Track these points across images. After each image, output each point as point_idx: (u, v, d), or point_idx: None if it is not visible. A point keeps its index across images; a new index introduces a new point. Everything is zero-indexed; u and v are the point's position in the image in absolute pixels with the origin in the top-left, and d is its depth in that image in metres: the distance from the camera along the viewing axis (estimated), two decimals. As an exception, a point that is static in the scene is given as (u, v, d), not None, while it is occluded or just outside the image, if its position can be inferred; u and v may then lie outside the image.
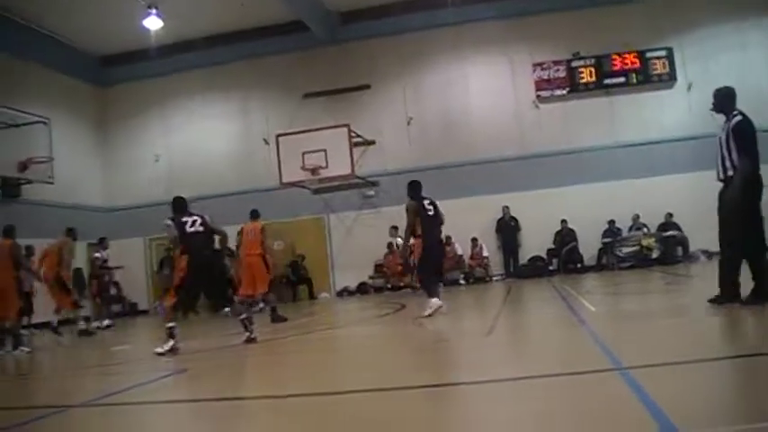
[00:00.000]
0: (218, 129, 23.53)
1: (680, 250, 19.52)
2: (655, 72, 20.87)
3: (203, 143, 23.41)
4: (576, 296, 12.07)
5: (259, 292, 12.63)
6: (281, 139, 19.92)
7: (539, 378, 4.95)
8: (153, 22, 19.98)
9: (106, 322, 15.33)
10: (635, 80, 20.97)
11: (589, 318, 8.58)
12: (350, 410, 4.61)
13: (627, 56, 21.02)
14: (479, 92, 21.84)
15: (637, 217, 20.21)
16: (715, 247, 7.94)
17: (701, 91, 17.90)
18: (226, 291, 10.41)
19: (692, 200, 17.12)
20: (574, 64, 21.36)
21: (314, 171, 19.40)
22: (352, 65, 22.51)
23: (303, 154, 19.27)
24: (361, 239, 21.39)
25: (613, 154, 20.62)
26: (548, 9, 21.26)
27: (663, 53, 20.85)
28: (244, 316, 9.42)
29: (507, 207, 20.94)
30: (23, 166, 18.90)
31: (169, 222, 9.03)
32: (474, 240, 20.83)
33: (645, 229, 20.02)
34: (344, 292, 21.70)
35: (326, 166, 19.32)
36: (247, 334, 9.13)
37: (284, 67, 22.90)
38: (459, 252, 20.52)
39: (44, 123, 19.65)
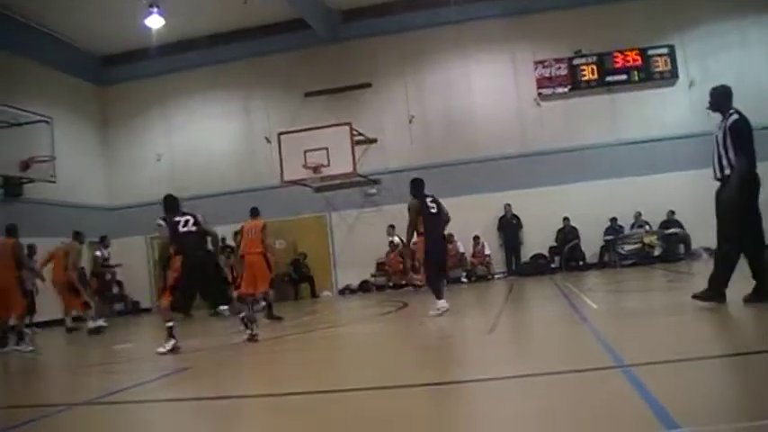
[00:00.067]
0: (220, 127, 23.54)
1: (682, 248, 19.52)
2: (656, 69, 20.85)
3: (205, 142, 23.42)
4: (578, 294, 12.07)
5: (260, 290, 12.60)
6: (282, 137, 19.92)
7: (541, 376, 4.94)
8: (154, 21, 19.96)
9: (99, 322, 15.16)
10: (637, 78, 20.94)
11: (591, 315, 8.58)
12: (352, 409, 4.61)
13: (628, 53, 20.99)
14: (481, 90, 21.83)
15: (639, 214, 20.20)
16: (716, 245, 7.93)
17: (703, 88, 17.63)
18: (224, 290, 10.39)
19: (693, 197, 17.04)
20: (575, 62, 21.33)
21: (316, 169, 19.42)
22: (353, 63, 22.51)
23: (305, 152, 19.28)
24: (362, 238, 21.40)
25: (615, 151, 20.60)
26: (549, 7, 21.25)
27: (665, 51, 20.82)
28: (243, 314, 9.40)
29: (509, 205, 20.94)
30: (25, 166, 18.93)
31: (161, 222, 8.93)
32: (476, 238, 20.83)
33: (647, 227, 20.00)
34: (346, 291, 21.70)
35: (328, 165, 19.34)
36: (248, 332, 9.12)
37: (286, 66, 22.90)
38: (461, 250, 20.51)
39: (46, 122, 19.66)
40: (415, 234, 10.56)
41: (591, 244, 20.48)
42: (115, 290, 21.38)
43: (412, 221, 10.42)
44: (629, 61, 20.99)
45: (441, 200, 10.78)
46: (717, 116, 7.71)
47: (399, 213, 20.31)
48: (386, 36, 22.32)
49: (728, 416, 3.43)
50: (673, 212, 19.80)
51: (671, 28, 20.86)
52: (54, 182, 19.78)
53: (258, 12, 21.41)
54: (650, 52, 20.90)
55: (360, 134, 20.65)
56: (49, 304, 15.99)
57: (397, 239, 20.03)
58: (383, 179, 21.74)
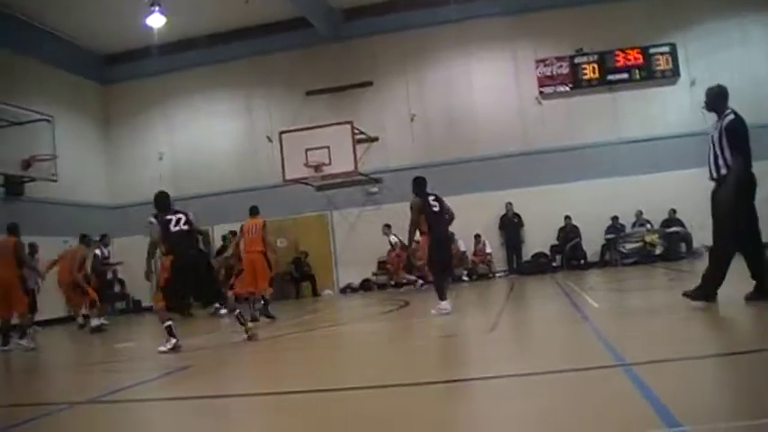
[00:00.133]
0: (222, 126, 23.56)
1: (683, 246, 19.49)
2: (658, 68, 20.84)
3: (207, 141, 23.44)
4: (580, 292, 12.07)
5: (260, 288, 12.58)
6: (284, 136, 19.94)
7: (542, 374, 4.94)
8: (156, 20, 19.95)
9: (101, 320, 15.16)
10: (638, 76, 20.93)
11: (592, 314, 8.58)
12: (352, 407, 4.61)
13: (630, 52, 20.98)
14: (482, 88, 21.82)
15: (640, 213, 20.19)
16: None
17: (704, 87, 17.67)
18: (217, 290, 10.30)
19: (695, 196, 16.94)
20: (577, 60, 21.33)
21: (317, 168, 19.43)
22: (355, 62, 22.51)
23: (306, 151, 19.30)
24: (364, 236, 21.38)
25: (616, 150, 20.59)
26: (551, 5, 21.24)
27: (666, 49, 20.81)
28: (238, 311, 9.38)
29: (510, 203, 20.93)
30: (27, 164, 18.95)
31: (153, 220, 8.85)
32: (477, 237, 20.82)
33: (648, 226, 19.98)
34: (348, 289, 21.70)
35: (330, 163, 19.35)
36: (244, 329, 9.11)
37: (287, 65, 22.89)
38: (463, 249, 20.49)
39: (47, 121, 19.67)
40: (418, 233, 10.54)
41: (592, 243, 20.47)
42: (117, 288, 21.40)
43: (414, 220, 10.36)
44: (630, 60, 20.98)
45: (443, 198, 10.76)
46: (712, 116, 7.72)
47: (401, 212, 20.28)
48: (387, 34, 22.31)
49: (730, 414, 3.43)
50: (674, 211, 19.79)
51: (672, 26, 20.84)
52: (55, 180, 19.80)
53: (259, 10, 21.40)
54: (652, 51, 20.89)
55: (361, 133, 20.65)
56: (50, 303, 16.02)
57: (394, 238, 20.05)
58: (384, 178, 21.74)
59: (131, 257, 22.30)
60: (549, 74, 21.47)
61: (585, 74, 21.24)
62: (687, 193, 18.37)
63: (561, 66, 21.40)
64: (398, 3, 22.26)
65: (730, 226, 7.25)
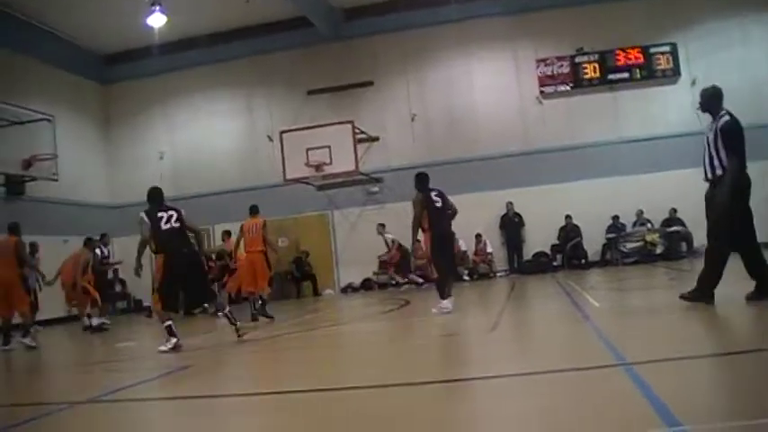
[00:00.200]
0: (223, 126, 23.56)
1: (684, 246, 19.48)
2: (659, 67, 20.83)
3: (207, 140, 23.45)
4: (581, 292, 12.06)
5: (259, 288, 12.56)
6: (285, 135, 19.94)
7: (543, 374, 4.94)
8: (156, 19, 19.94)
9: (101, 320, 15.19)
10: (639, 76, 20.93)
11: (593, 313, 8.58)
12: (353, 407, 4.61)
13: (630, 51, 20.97)
14: (483, 88, 21.82)
15: (641, 212, 20.19)
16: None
17: (705, 86, 17.85)
18: (208, 290, 10.24)
19: (695, 195, 16.82)
20: (577, 60, 21.33)
21: (318, 167, 19.43)
22: (355, 61, 22.51)
23: (307, 150, 19.30)
24: (365, 236, 21.36)
25: (617, 149, 20.58)
26: (551, 5, 21.24)
27: (667, 48, 20.81)
28: (228, 310, 9.34)
29: (511, 203, 20.93)
30: (27, 164, 18.96)
31: (144, 218, 8.79)
32: (478, 236, 20.81)
33: (649, 225, 19.98)
34: (349, 289, 21.69)
35: (330, 163, 19.35)
36: (234, 328, 9.07)
37: (288, 64, 22.89)
38: (463, 248, 20.46)
39: (48, 121, 19.68)
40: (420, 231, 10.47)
41: (593, 242, 20.47)
42: (118, 288, 21.42)
43: (417, 216, 10.25)
44: (630, 59, 20.97)
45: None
46: (706, 117, 7.73)
47: (402, 211, 20.31)
48: (388, 34, 22.31)
49: (730, 414, 3.43)
50: (675, 210, 19.77)
51: (673, 26, 20.84)
52: (56, 180, 19.81)
53: (260, 10, 21.40)
54: (652, 50, 20.89)
55: (362, 132, 20.65)
56: (51, 302, 16.02)
57: (389, 236, 20.07)
58: (385, 177, 21.75)
59: (132, 257, 22.44)
60: (549, 73, 21.47)
61: (586, 73, 21.23)
62: (688, 193, 18.22)
63: (562, 65, 21.40)
64: (399, 2, 22.25)
65: (726, 227, 7.25)
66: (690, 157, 18.51)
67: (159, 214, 8.80)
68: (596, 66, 21.16)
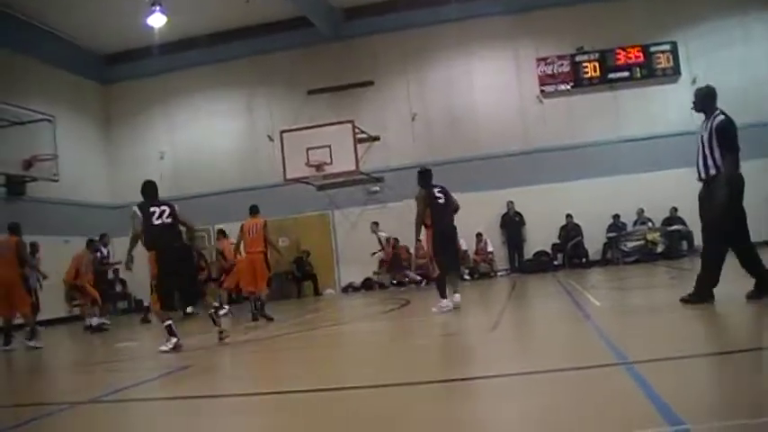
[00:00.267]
0: (223, 126, 23.57)
1: (685, 244, 19.46)
2: (659, 66, 20.83)
3: (208, 140, 23.45)
4: (581, 291, 12.05)
5: (259, 288, 12.54)
6: (285, 135, 19.94)
7: (544, 373, 4.94)
8: (157, 19, 19.95)
9: (101, 320, 15.19)
10: (639, 74, 20.93)
11: (594, 312, 8.57)
12: (354, 407, 4.61)
13: (631, 50, 20.97)
14: (483, 87, 21.82)
15: (641, 211, 20.19)
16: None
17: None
18: (198, 290, 10.18)
19: (696, 194, 17.04)
20: (578, 59, 21.33)
21: (318, 167, 19.43)
22: (356, 61, 22.51)
23: (307, 150, 19.30)
24: (365, 235, 21.32)
25: (618, 148, 20.58)
26: (552, 4, 21.24)
27: (667, 47, 20.81)
28: (212, 310, 9.27)
29: (512, 202, 20.93)
30: (28, 164, 18.97)
31: (137, 212, 8.75)
32: (479, 235, 20.80)
33: (649, 224, 19.98)
34: (349, 288, 21.69)
35: (331, 163, 19.34)
36: (217, 328, 8.99)
37: (288, 64, 22.89)
38: (464, 247, 20.44)
39: (48, 121, 19.69)
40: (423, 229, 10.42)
41: (594, 241, 20.46)
42: (118, 288, 21.42)
43: (420, 212, 10.19)
44: (631, 58, 20.97)
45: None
46: (699, 117, 7.74)
47: (402, 211, 20.38)
48: (388, 34, 22.30)
49: (732, 412, 3.42)
50: (675, 209, 19.75)
51: (673, 24, 20.83)
52: (57, 180, 19.82)
53: (260, 10, 21.40)
54: (652, 49, 20.89)
55: (362, 132, 20.64)
56: (52, 302, 16.02)
57: (382, 235, 20.08)
58: (386, 177, 21.75)
59: (136, 259, 22.45)
60: (550, 72, 21.47)
61: (586, 72, 21.24)
62: (688, 192, 18.09)
63: (562, 64, 21.40)
64: (399, 2, 22.26)
65: (723, 227, 7.25)
66: (690, 156, 18.44)
67: (152, 209, 8.74)
68: (597, 65, 21.16)
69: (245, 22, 22.52)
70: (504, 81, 21.79)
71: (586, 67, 21.24)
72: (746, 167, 7.45)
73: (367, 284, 21.43)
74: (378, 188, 22.00)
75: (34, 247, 14.73)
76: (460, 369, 5.94)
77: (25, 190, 19.55)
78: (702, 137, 7.42)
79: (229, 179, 22.59)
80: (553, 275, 18.20)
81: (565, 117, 21.20)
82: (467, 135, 21.50)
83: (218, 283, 16.00)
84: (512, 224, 21.03)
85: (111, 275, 18.97)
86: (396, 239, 20.75)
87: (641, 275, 15.20)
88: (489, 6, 21.64)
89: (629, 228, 20.20)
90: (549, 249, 20.88)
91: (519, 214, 20.98)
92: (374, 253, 20.74)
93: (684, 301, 7.48)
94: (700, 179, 7.53)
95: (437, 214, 10.20)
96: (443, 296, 10.15)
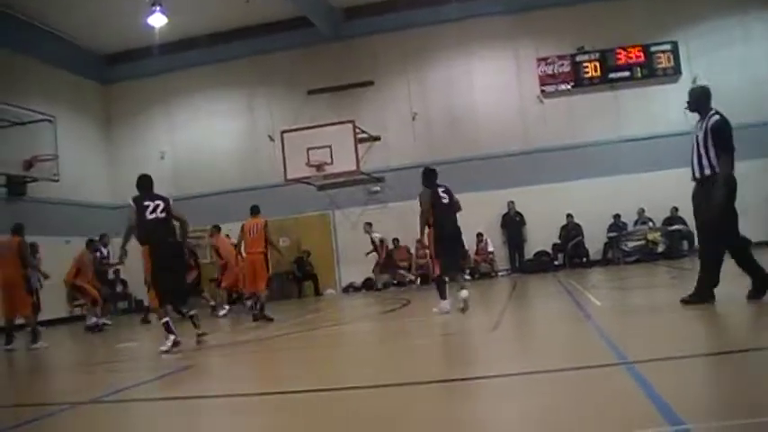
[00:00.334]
0: (223, 126, 23.57)
1: (685, 244, 19.45)
2: (659, 66, 20.83)
3: (208, 140, 23.45)
4: (582, 291, 12.06)
5: (258, 289, 12.53)
6: (285, 135, 19.93)
7: (545, 373, 4.94)
8: (157, 19, 19.95)
9: (101, 320, 15.17)
10: (639, 74, 20.93)
11: (595, 312, 8.57)
12: (354, 407, 4.61)
13: (631, 50, 20.97)
14: (484, 87, 21.82)
15: (642, 211, 20.19)
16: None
17: (706, 85, 17.85)
18: (186, 290, 10.12)
19: (697, 194, 17.07)
20: (578, 58, 21.33)
21: (319, 167, 19.42)
22: (356, 61, 22.51)
23: (308, 150, 19.29)
24: (366, 235, 21.34)
25: (618, 148, 20.57)
26: (552, 3, 21.24)
27: (667, 47, 20.80)
28: (194, 312, 9.21)
29: (512, 202, 20.93)
30: (28, 164, 18.98)
31: (132, 204, 8.73)
32: (479, 235, 20.77)
33: (650, 224, 19.98)
34: (350, 288, 21.69)
35: (331, 163, 19.34)
36: (197, 331, 8.89)
37: (288, 64, 22.89)
38: (465, 247, 20.44)
39: (49, 121, 19.70)
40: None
41: (594, 241, 20.47)
42: (119, 288, 21.42)
43: (424, 212, 10.09)
44: (631, 58, 20.97)
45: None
46: (693, 117, 7.74)
47: (403, 211, 20.39)
48: (388, 34, 22.30)
49: (732, 412, 3.42)
50: (676, 209, 19.73)
51: (673, 24, 20.83)
52: (57, 180, 19.82)
53: (260, 10, 21.40)
54: (653, 48, 20.89)
55: (363, 132, 20.64)
56: (52, 303, 16.02)
57: (376, 236, 20.07)
58: (386, 177, 21.76)
59: (133, 257, 22.45)
60: (550, 72, 21.47)
61: (587, 72, 21.23)
62: (689, 192, 18.05)
63: (563, 64, 21.40)
64: (399, 2, 22.26)
65: (722, 227, 7.26)
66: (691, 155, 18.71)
67: (146, 203, 8.71)
68: (597, 64, 21.15)
69: (245, 22, 22.52)
70: (505, 81, 21.79)
71: (587, 66, 21.23)
72: (746, 167, 7.48)
73: (368, 284, 21.42)
74: (378, 188, 22.01)
75: (34, 247, 14.69)
76: (461, 369, 5.94)
77: (26, 190, 19.56)
78: (698, 136, 7.43)
79: (230, 179, 22.59)
80: (554, 275, 18.20)
81: (565, 117, 21.19)
82: (467, 135, 21.50)
83: (216, 283, 16.01)
84: (512, 224, 21.03)
85: (111, 275, 18.96)
86: (396, 239, 20.77)
87: (642, 275, 15.20)
88: (489, 6, 21.63)
89: (630, 227, 20.20)
90: (549, 249, 20.87)
91: (519, 214, 20.98)
92: (368, 253, 20.74)
93: (685, 302, 7.48)
94: (693, 178, 7.55)
95: (441, 215, 10.12)
96: (443, 297, 10.12)
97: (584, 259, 20.35)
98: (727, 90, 18.20)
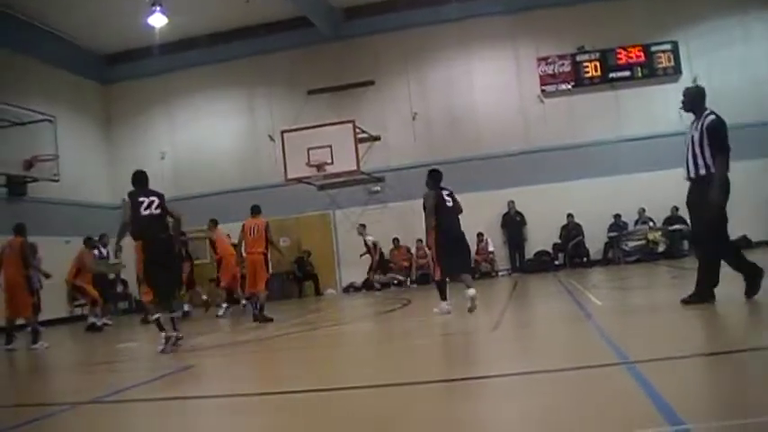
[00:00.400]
0: (224, 126, 23.57)
1: (686, 244, 19.44)
2: (660, 66, 20.82)
3: (208, 140, 23.45)
4: (583, 290, 12.05)
5: (258, 289, 12.52)
6: (286, 135, 19.92)
7: (545, 373, 4.94)
8: (157, 19, 19.95)
9: (101, 320, 15.17)
10: (640, 74, 20.92)
11: (595, 312, 8.57)
12: (354, 407, 4.61)
13: (632, 50, 20.97)
14: (484, 87, 21.81)
15: (642, 211, 20.18)
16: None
17: (707, 84, 17.74)
18: (175, 287, 10.07)
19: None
20: (578, 58, 21.33)
21: (319, 167, 19.41)
22: (356, 61, 22.50)
23: (308, 150, 19.28)
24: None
25: (619, 148, 20.56)
26: (552, 3, 21.24)
27: (668, 47, 20.80)
28: (176, 314, 9.14)
29: (513, 202, 20.93)
30: (29, 164, 18.97)
31: (126, 199, 8.69)
32: (480, 235, 20.74)
33: (651, 223, 19.99)
34: (350, 288, 21.69)
35: (332, 162, 19.32)
36: (175, 333, 8.67)
37: (289, 64, 22.89)
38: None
39: (49, 121, 19.70)
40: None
41: (595, 240, 20.46)
42: (119, 288, 21.40)
43: (429, 214, 10.02)
44: (632, 57, 20.97)
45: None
46: (688, 117, 7.76)
47: (403, 211, 20.41)
48: (388, 34, 22.30)
49: (733, 412, 3.42)
50: (676, 209, 19.69)
51: (674, 24, 20.82)
52: (57, 180, 19.82)
53: (260, 10, 21.40)
54: (653, 48, 20.89)
55: (363, 132, 20.63)
56: (53, 303, 16.02)
57: (369, 238, 20.05)
58: (386, 177, 21.77)
59: (133, 257, 22.44)
60: (550, 72, 21.47)
61: (587, 72, 21.23)
62: (689, 191, 18.33)
63: (563, 64, 21.40)
64: (399, 2, 22.27)
65: (721, 227, 7.27)
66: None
67: (140, 199, 8.66)
68: (597, 64, 21.15)
69: (246, 22, 22.52)
70: (505, 81, 21.79)
71: (587, 66, 21.23)
72: (746, 167, 7.49)
73: (368, 285, 21.41)
74: (378, 188, 22.01)
75: (33, 247, 14.71)
76: (461, 369, 5.94)
77: (26, 190, 19.55)
78: (693, 136, 7.45)
79: (230, 179, 22.59)
80: (554, 275, 18.20)
81: (566, 117, 21.19)
82: (467, 135, 21.50)
83: (216, 283, 16.01)
84: (513, 224, 21.03)
85: (111, 276, 18.94)
86: (396, 239, 20.77)
87: (642, 275, 15.21)
88: (490, 6, 21.63)
89: (631, 227, 20.21)
90: (550, 249, 20.87)
91: (520, 214, 20.98)
92: (362, 255, 20.73)
93: (685, 302, 7.47)
94: (688, 178, 7.59)
95: (444, 217, 10.08)
96: (444, 298, 10.12)
97: (585, 259, 20.35)
98: (727, 90, 18.29)
